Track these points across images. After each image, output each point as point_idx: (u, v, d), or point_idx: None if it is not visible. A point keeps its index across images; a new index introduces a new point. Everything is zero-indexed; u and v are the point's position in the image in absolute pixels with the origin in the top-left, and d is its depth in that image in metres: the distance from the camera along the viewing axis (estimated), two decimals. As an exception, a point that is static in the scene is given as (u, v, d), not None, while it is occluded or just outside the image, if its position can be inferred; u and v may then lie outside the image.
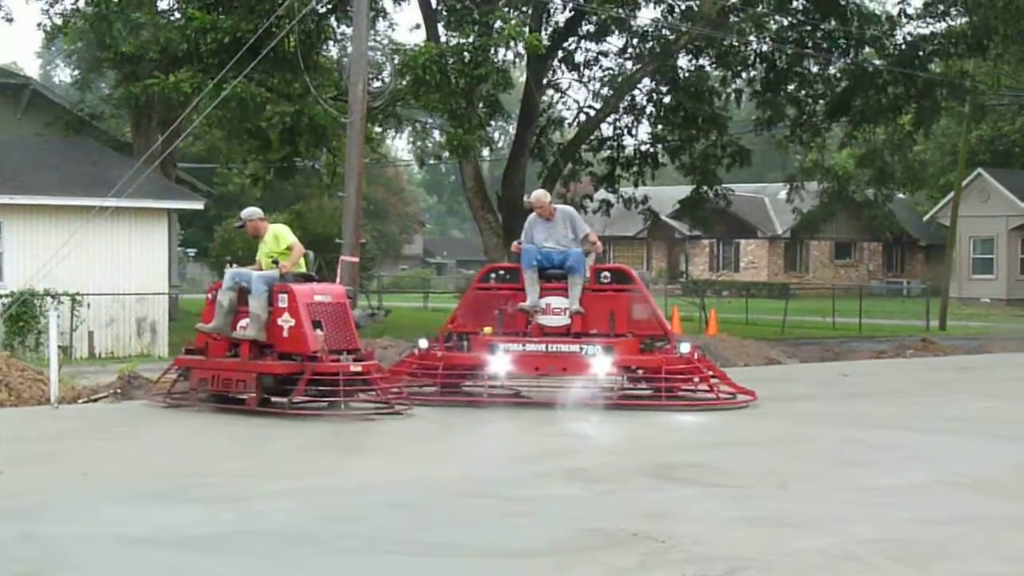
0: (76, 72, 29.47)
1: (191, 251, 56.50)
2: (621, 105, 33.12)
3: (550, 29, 31.83)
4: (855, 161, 37.27)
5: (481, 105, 27.28)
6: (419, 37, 33.98)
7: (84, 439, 13.17)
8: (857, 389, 18.97)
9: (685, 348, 16.27)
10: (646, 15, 32.98)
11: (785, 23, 32.86)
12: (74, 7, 28.62)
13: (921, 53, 32.78)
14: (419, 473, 11.17)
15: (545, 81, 32.99)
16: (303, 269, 15.65)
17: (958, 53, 33.32)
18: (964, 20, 33.13)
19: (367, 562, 7.96)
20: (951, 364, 24.33)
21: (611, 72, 33.30)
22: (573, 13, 31.37)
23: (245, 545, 8.27)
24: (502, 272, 16.75)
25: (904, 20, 33.14)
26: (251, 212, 16.15)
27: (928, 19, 33.46)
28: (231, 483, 10.51)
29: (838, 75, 33.89)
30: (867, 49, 33.68)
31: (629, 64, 33.12)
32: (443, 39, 28.55)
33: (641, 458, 11.95)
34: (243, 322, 15.10)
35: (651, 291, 17.07)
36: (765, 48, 32.74)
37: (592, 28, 32.49)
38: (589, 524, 8.86)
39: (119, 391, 16.49)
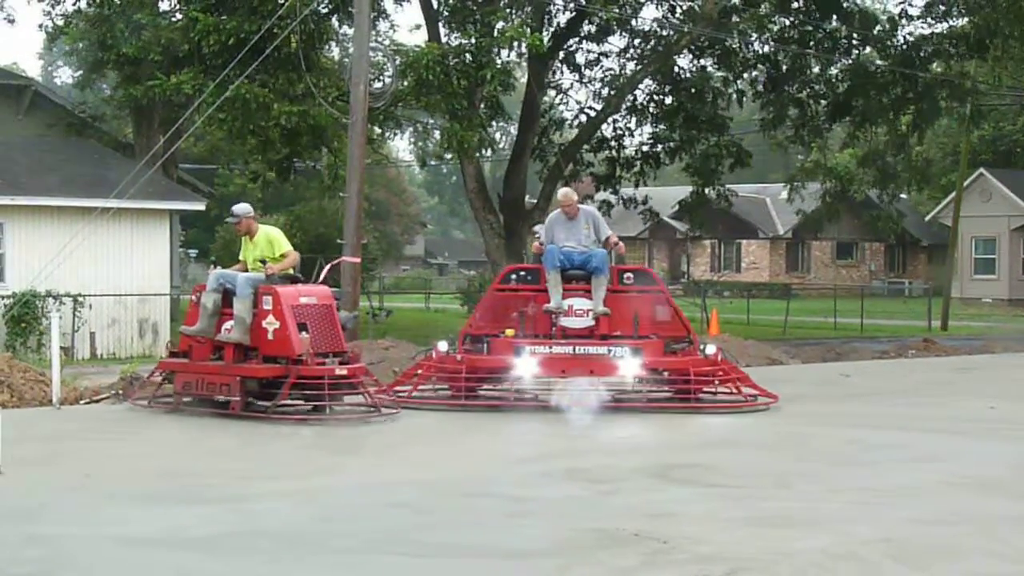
0: (78, 73, 29.45)
1: (192, 252, 56.48)
2: (623, 106, 33.12)
3: (551, 29, 31.83)
4: (857, 161, 37.24)
5: (483, 106, 27.27)
6: (420, 38, 34.01)
7: (86, 440, 13.18)
8: (859, 389, 18.97)
9: (711, 350, 16.16)
10: (648, 15, 32.94)
11: (787, 23, 32.87)
12: (75, 8, 28.63)
13: (922, 54, 32.78)
14: (420, 474, 11.18)
15: (546, 82, 33.00)
16: (289, 271, 15.32)
17: (959, 54, 33.34)
18: (966, 21, 33.14)
19: (368, 562, 7.97)
20: (953, 364, 24.33)
21: (612, 72, 33.32)
22: (575, 13, 31.37)
23: (247, 545, 8.28)
24: (523, 273, 16.35)
25: (905, 21, 33.16)
26: (245, 208, 15.89)
27: (930, 19, 33.46)
28: (233, 483, 10.52)
29: (839, 75, 33.89)
30: (868, 49, 33.70)
31: (631, 65, 33.13)
32: (444, 39, 28.56)
33: (642, 458, 11.96)
34: (227, 324, 14.86)
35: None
36: (767, 49, 32.76)
37: (593, 29, 32.49)
38: (590, 524, 8.86)
39: (121, 392, 16.48)
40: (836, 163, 38.86)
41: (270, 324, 14.57)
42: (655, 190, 39.81)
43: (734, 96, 33.59)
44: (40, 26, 29.59)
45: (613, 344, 15.61)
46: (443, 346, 15.96)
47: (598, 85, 33.49)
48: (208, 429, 13.93)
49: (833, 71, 33.97)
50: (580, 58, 33.50)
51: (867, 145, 35.91)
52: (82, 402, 16.05)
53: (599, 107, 32.80)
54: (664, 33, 32.13)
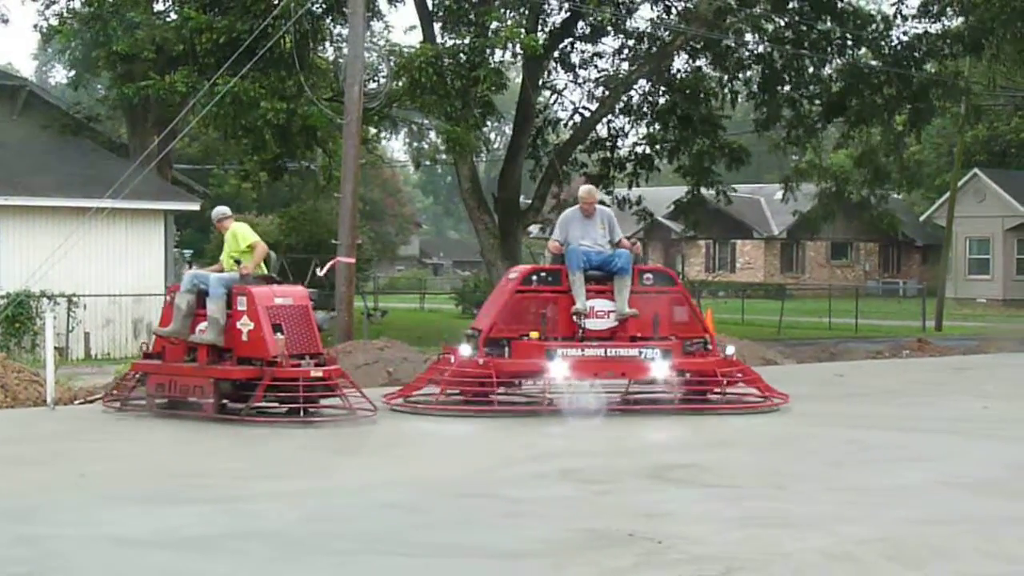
0: (72, 73, 29.39)
1: (187, 252, 56.47)
2: (617, 106, 33.13)
3: (547, 30, 31.83)
4: (853, 161, 37.28)
5: (476, 106, 27.29)
6: (415, 38, 34.01)
7: (80, 440, 13.16)
8: (853, 390, 18.98)
9: (731, 350, 16.14)
10: (642, 15, 32.99)
11: (781, 23, 32.88)
12: (69, 7, 28.59)
13: (917, 54, 32.82)
14: (415, 474, 11.17)
15: (541, 82, 33.00)
16: (264, 271, 15.15)
17: (954, 54, 33.37)
18: (960, 21, 33.18)
19: (363, 563, 7.96)
20: (947, 364, 24.34)
21: (607, 73, 33.32)
22: (569, 14, 31.38)
23: (242, 546, 8.27)
24: (543, 274, 15.89)
25: (900, 21, 33.18)
26: (219, 212, 15.76)
27: (924, 19, 33.50)
28: (228, 484, 10.50)
29: (833, 75, 33.92)
30: (863, 50, 33.73)
31: (625, 65, 33.14)
32: (439, 40, 28.57)
33: (637, 459, 11.95)
34: (201, 325, 14.62)
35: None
36: (761, 49, 32.77)
37: (588, 29, 32.49)
38: (585, 524, 8.86)
39: (115, 392, 16.45)
40: (832, 163, 38.90)
41: (244, 325, 14.34)
42: (649, 190, 39.81)
43: (728, 96, 33.61)
44: (35, 26, 29.58)
45: (643, 346, 15.46)
46: (467, 350, 15.36)
47: (592, 85, 33.52)
48: (203, 429, 13.89)
49: (827, 71, 34.01)
50: (575, 58, 33.54)
51: (861, 145, 35.95)
52: (76, 402, 16.03)
53: (594, 108, 32.81)
54: (659, 34, 32.15)
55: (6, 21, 34.23)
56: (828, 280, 60.63)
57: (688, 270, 66.96)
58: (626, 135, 34.52)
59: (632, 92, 33.28)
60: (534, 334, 15.34)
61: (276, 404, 14.65)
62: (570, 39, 32.86)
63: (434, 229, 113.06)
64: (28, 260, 23.00)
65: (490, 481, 10.80)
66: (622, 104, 33.39)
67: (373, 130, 32.75)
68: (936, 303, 39.34)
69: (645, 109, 33.93)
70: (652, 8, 33.14)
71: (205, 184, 43.26)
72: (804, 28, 32.60)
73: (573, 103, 33.81)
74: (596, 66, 33.65)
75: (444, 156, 29.85)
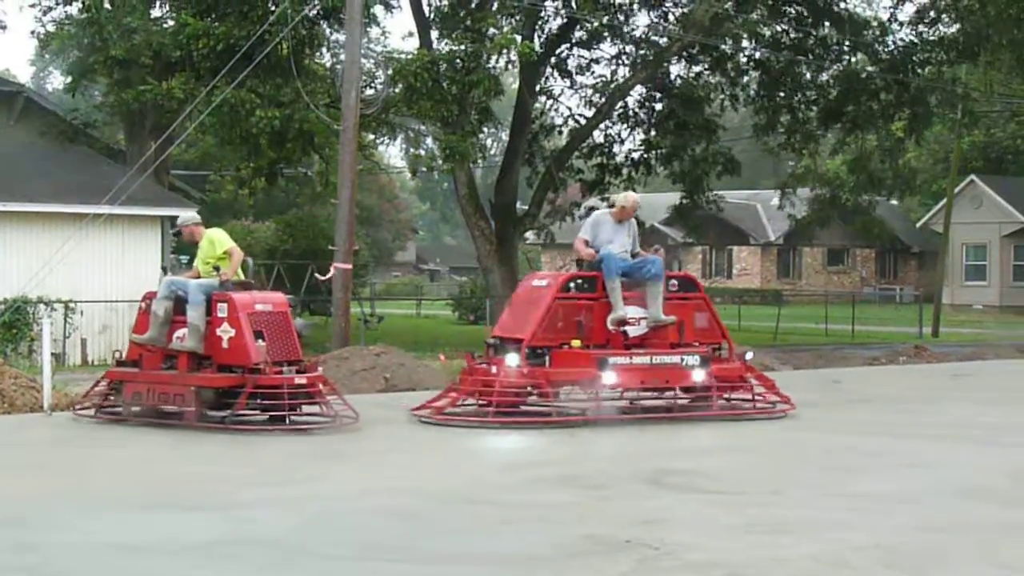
0: (67, 79, 29.37)
1: (184, 258, 56.43)
2: (614, 112, 33.15)
3: (543, 36, 31.86)
4: (848, 167, 37.31)
5: (473, 112, 27.32)
6: (412, 45, 34.05)
7: (77, 447, 13.16)
8: (850, 396, 18.99)
9: (750, 356, 16.26)
10: (639, 22, 32.99)
11: (778, 29, 32.93)
12: (66, 12, 28.55)
13: (913, 59, 32.86)
14: (414, 481, 11.16)
15: (538, 88, 33.03)
16: (241, 276, 14.96)
17: (949, 60, 33.42)
18: (956, 27, 33.22)
19: (362, 570, 7.96)
20: (944, 371, 24.36)
21: (603, 79, 33.35)
22: (566, 20, 31.41)
23: (240, 553, 8.26)
24: (580, 281, 15.64)
25: (896, 27, 33.26)
26: (186, 217, 15.64)
27: (920, 26, 33.55)
28: (226, 490, 10.49)
29: (830, 81, 33.96)
30: (859, 56, 33.77)
31: (622, 71, 33.18)
32: (436, 46, 28.60)
33: (635, 465, 11.95)
34: (180, 332, 14.35)
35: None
36: (758, 55, 32.80)
37: (585, 35, 32.52)
38: (583, 531, 8.86)
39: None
40: (828, 169, 38.94)
41: (225, 332, 14.12)
42: (645, 196, 39.83)
43: (726, 101, 33.64)
44: (32, 32, 29.53)
45: (684, 353, 15.45)
46: (514, 360, 14.90)
47: (589, 91, 33.55)
48: (200, 436, 13.87)
49: (824, 77, 34.05)
50: (571, 64, 33.57)
51: (857, 151, 35.99)
52: (73, 408, 15.98)
53: (590, 114, 32.83)
54: (656, 39, 32.19)
55: (4, 28, 34.16)
56: (824, 286, 60.64)
57: (685, 276, 66.89)
58: (622, 141, 34.56)
59: (629, 97, 33.31)
60: (576, 342, 15.17)
61: (256, 412, 14.48)
62: (567, 45, 32.90)
63: (430, 235, 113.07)
64: (25, 266, 22.97)
65: (488, 487, 10.79)
66: (619, 110, 33.42)
67: (370, 136, 32.77)
68: (933, 309, 39.35)
69: (642, 115, 33.95)
70: (649, 14, 33.18)
71: (202, 190, 43.24)
72: (801, 34, 32.64)
73: (569, 109, 33.89)
74: (593, 72, 33.71)
75: (441, 163, 29.87)
